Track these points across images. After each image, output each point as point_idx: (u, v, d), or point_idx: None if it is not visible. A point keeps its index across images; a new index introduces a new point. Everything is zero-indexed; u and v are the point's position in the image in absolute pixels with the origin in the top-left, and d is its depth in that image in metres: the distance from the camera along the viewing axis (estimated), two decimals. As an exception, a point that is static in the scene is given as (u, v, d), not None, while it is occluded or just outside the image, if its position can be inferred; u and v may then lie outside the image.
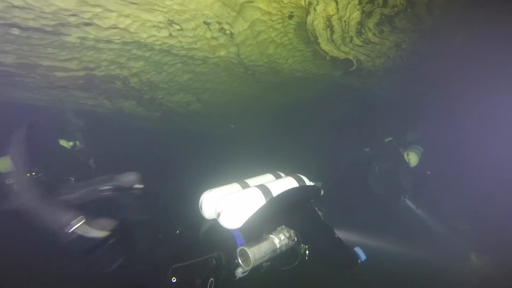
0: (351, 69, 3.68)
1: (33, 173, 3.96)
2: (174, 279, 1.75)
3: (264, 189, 2.11)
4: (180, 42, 3.08)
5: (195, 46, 3.22)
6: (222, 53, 3.47)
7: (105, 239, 1.80)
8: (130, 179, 2.20)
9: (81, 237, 1.76)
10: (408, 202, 5.26)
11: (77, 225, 1.76)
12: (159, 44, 3.06)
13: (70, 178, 4.15)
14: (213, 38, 3.15)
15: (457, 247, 5.11)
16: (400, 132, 6.41)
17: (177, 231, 2.11)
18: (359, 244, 2.38)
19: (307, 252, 2.08)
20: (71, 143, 4.45)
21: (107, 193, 2.18)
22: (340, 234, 2.26)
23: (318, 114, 6.93)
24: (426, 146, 6.25)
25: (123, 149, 5.56)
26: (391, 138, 5.78)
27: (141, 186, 2.23)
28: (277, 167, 2.69)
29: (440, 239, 5.28)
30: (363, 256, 2.25)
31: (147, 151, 6.22)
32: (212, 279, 1.84)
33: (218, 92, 5.00)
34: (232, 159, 7.69)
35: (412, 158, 5.35)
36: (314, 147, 7.53)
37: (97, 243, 1.79)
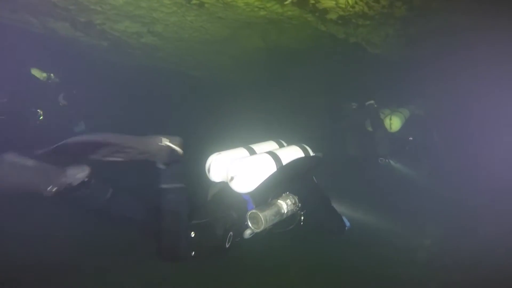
0: (286, 2, 2.86)
1: None
2: (192, 234, 1.80)
3: (274, 156, 2.16)
4: None
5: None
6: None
7: (179, 159, 1.84)
8: (81, 176, 1.79)
9: (169, 150, 1.79)
10: (390, 162, 5.05)
11: (166, 141, 1.78)
12: None
13: (38, 110, 3.83)
14: None
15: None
16: (395, 101, 5.65)
17: None
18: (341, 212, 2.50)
19: (302, 217, 2.21)
20: (44, 75, 4.12)
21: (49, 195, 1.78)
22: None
23: (301, 66, 6.10)
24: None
25: (97, 87, 5.20)
26: (372, 101, 5.18)
27: (181, 151, 2.07)
28: (275, 134, 2.74)
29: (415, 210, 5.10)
30: (347, 223, 2.40)
31: (119, 89, 5.81)
32: (231, 233, 1.93)
33: (172, 25, 4.30)
34: (208, 102, 7.19)
35: (394, 123, 4.90)
36: (296, 102, 6.86)
37: (176, 159, 1.82)
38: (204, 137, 6.28)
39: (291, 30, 4.81)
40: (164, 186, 1.82)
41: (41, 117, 3.94)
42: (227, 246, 1.92)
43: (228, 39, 5.11)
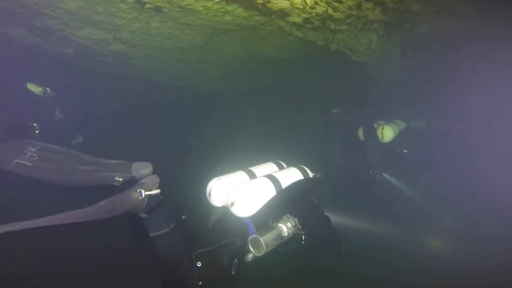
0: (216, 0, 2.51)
1: None
2: (199, 264, 1.82)
3: (273, 179, 2.18)
4: None
5: None
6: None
7: (160, 202, 1.81)
8: (146, 172, 2.01)
9: (149, 198, 1.72)
10: (385, 175, 4.88)
11: (144, 191, 1.71)
12: None
13: (34, 124, 3.81)
14: None
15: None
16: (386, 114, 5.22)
17: (183, 217, 2.10)
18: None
19: (303, 237, 2.24)
20: (40, 89, 4.11)
21: (119, 184, 1.96)
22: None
23: (289, 76, 5.74)
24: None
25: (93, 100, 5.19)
26: (367, 109, 5.04)
27: (159, 192, 2.05)
28: (277, 156, 2.77)
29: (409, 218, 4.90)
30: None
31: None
32: (236, 260, 1.98)
33: (138, 32, 4.04)
34: (196, 113, 6.92)
35: (386, 133, 4.64)
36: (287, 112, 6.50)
37: (157, 204, 1.78)
38: (199, 155, 6.06)
39: (270, 38, 4.49)
40: (152, 234, 1.78)
41: (37, 131, 3.88)
42: (232, 273, 1.95)
43: (206, 47, 4.82)
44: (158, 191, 1.77)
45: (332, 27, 3.21)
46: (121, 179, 1.85)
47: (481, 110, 4.58)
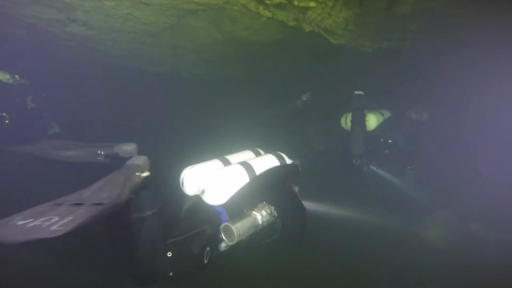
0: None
1: None
2: (169, 254, 1.76)
3: (247, 166, 2.13)
4: None
5: None
6: None
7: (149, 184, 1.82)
8: (130, 149, 2.07)
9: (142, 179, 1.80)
10: (372, 167, 4.74)
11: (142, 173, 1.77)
12: None
13: (3, 114, 3.62)
14: None
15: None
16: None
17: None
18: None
19: (280, 226, 2.19)
20: (7, 76, 3.93)
21: (103, 159, 2.07)
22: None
23: (271, 62, 5.36)
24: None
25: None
26: (361, 92, 4.63)
27: (149, 173, 2.14)
28: (255, 144, 2.66)
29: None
30: None
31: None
32: (208, 248, 1.91)
33: (93, 12, 3.69)
34: (174, 101, 6.63)
35: (370, 121, 4.47)
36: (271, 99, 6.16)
37: (146, 185, 1.80)
38: (175, 144, 5.80)
39: (242, 19, 4.12)
40: (134, 216, 1.74)
41: (7, 121, 3.64)
42: (205, 262, 1.89)
43: (176, 29, 4.47)
44: (148, 173, 1.77)
45: (296, 3, 2.83)
46: (103, 153, 1.96)
47: (472, 99, 4.18)
